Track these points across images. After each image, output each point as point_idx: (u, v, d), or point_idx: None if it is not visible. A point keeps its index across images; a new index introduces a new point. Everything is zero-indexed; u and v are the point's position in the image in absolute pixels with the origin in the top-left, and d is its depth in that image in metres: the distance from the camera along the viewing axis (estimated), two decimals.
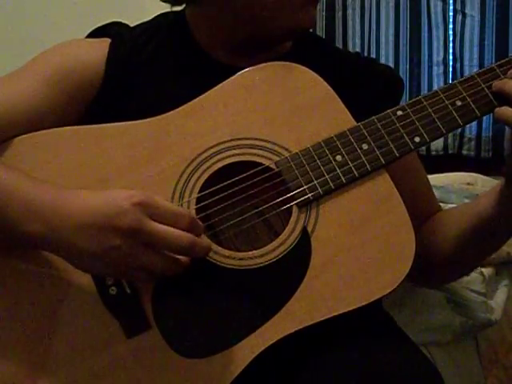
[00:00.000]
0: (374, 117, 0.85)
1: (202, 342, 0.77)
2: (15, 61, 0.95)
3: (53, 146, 0.84)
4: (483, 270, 1.32)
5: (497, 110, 0.84)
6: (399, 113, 0.85)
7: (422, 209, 0.98)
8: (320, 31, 2.18)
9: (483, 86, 0.85)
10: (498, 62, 0.87)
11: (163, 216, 0.74)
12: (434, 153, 2.12)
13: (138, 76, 0.93)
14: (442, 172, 1.47)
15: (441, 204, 1.08)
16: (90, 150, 0.84)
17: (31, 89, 0.88)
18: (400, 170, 0.88)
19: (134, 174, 0.83)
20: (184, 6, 0.97)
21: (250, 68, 0.88)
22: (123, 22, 1.00)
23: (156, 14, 1.00)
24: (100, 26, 0.99)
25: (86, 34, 0.99)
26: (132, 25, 0.99)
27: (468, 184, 1.57)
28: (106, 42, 0.94)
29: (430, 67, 2.11)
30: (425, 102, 0.85)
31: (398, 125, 0.84)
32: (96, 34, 0.98)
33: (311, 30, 1.01)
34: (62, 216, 0.74)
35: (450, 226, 0.95)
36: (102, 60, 0.92)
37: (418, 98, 0.86)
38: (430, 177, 1.09)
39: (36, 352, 0.77)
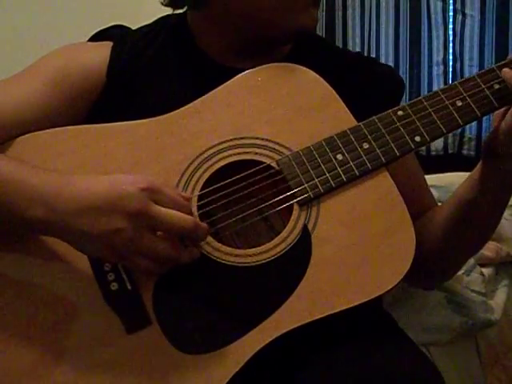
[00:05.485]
0: (374, 117, 0.85)
1: (202, 338, 0.77)
2: (17, 64, 0.95)
3: (56, 144, 0.85)
4: (483, 269, 1.33)
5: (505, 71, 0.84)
6: (400, 113, 0.85)
7: (418, 206, 0.98)
8: (320, 31, 2.18)
9: (483, 86, 0.86)
10: (499, 64, 0.88)
11: (167, 201, 0.75)
12: (433, 153, 2.12)
13: (140, 79, 0.93)
14: (441, 172, 1.46)
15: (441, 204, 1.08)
16: (93, 149, 0.85)
17: (33, 90, 0.89)
18: (399, 167, 0.88)
19: (137, 172, 0.83)
20: (185, 8, 0.98)
21: (253, 69, 0.89)
22: (125, 25, 1.01)
23: (157, 17, 1.00)
24: (102, 29, 1.00)
25: (87, 37, 1.00)
26: (133, 28, 1.00)
27: None
28: (107, 45, 0.94)
29: (430, 67, 2.11)
30: (425, 103, 0.86)
31: (398, 124, 0.85)
32: (98, 37, 0.99)
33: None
34: (65, 199, 0.74)
35: (436, 220, 0.95)
36: (103, 63, 0.92)
37: (418, 99, 0.86)
38: (429, 177, 1.09)
39: (40, 344, 0.77)
